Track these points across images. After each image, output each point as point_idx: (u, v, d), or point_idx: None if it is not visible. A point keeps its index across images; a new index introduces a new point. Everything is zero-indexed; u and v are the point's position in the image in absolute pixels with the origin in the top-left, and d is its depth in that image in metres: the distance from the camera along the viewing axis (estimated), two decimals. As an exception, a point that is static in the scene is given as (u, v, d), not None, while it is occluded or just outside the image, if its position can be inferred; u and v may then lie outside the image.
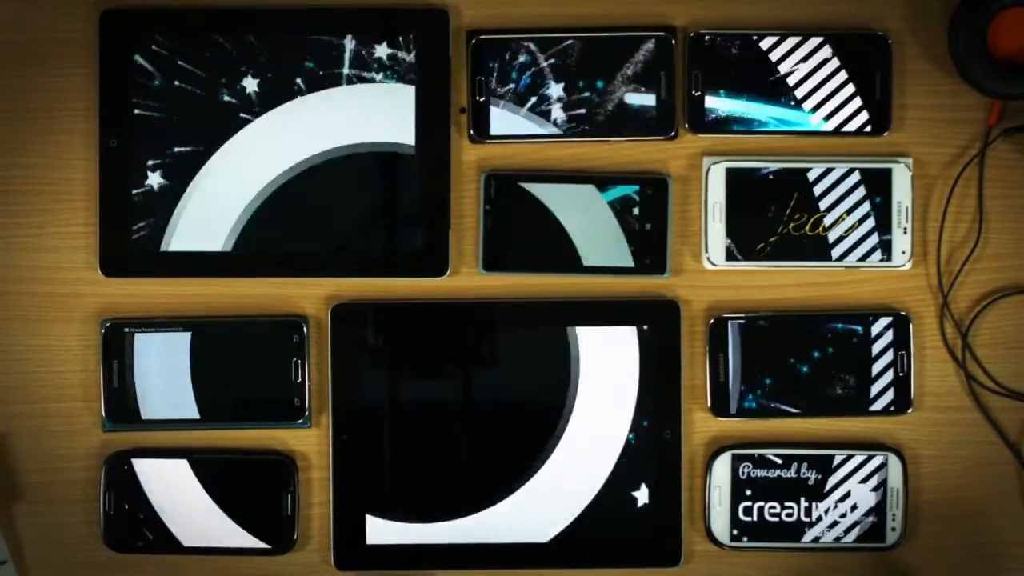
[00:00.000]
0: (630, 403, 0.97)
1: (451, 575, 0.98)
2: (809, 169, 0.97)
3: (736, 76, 0.97)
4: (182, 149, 0.96)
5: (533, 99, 0.97)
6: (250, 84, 0.96)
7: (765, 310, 0.97)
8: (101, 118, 0.96)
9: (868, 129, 0.97)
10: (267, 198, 0.96)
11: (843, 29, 0.97)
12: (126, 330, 0.96)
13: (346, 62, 0.96)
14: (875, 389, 0.97)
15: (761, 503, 0.97)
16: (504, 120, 0.97)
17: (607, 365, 0.97)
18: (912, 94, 0.98)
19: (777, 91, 0.97)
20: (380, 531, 0.97)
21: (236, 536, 0.96)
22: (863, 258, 0.97)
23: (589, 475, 0.97)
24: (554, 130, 0.97)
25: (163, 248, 0.96)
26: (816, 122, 0.97)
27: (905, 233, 0.97)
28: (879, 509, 0.97)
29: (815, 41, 0.97)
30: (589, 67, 0.97)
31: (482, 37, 0.97)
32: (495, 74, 0.97)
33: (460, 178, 0.97)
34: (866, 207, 0.97)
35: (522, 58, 0.97)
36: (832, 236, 0.97)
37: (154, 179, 0.96)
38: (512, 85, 0.97)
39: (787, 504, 0.97)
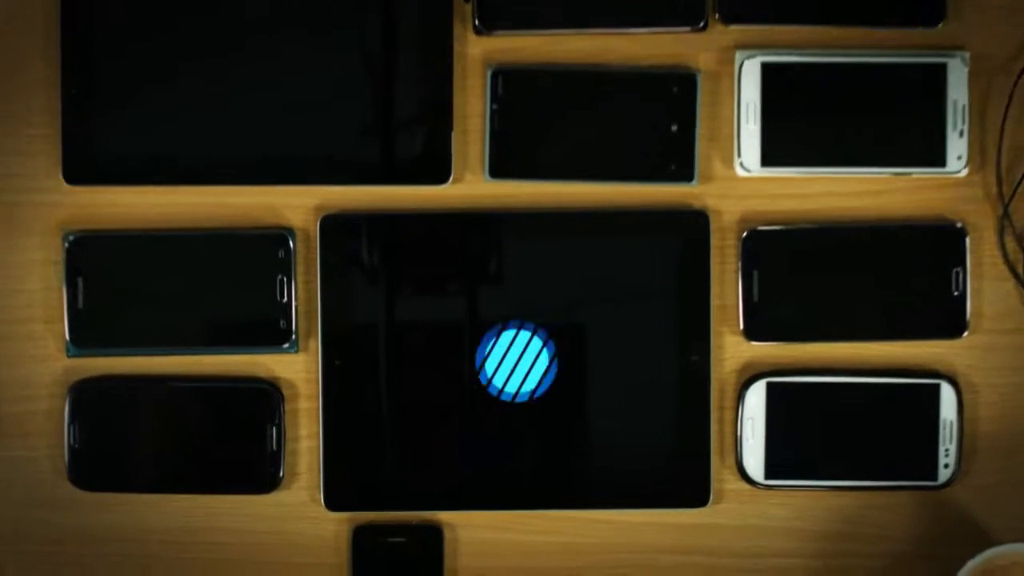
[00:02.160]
0: (653, 325, 0.92)
1: (453, 516, 0.93)
2: (854, 64, 0.91)
3: (773, -41, 0.92)
4: (155, 40, 0.92)
5: (546, -16, 0.92)
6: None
7: (804, 221, 0.92)
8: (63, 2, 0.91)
9: (920, 19, 0.92)
10: (249, 94, 0.91)
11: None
12: (92, 244, 0.91)
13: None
14: (926, 309, 0.92)
15: (799, 436, 0.92)
16: (513, 9, 0.91)
17: (627, 283, 0.92)
18: (969, -20, 0.93)
19: (819, -25, 0.92)
20: (376, 467, 0.92)
21: (215, 473, 0.92)
22: (913, 163, 0.91)
23: (608, 404, 0.92)
24: (569, 20, 0.92)
25: (133, 152, 0.91)
26: (862, 11, 0.92)
27: (961, 136, 0.91)
28: (930, 443, 0.92)
29: (860, -80, 0.92)
30: (608, -51, 0.92)
31: (488, -86, 0.92)
32: (503, -43, 0.92)
33: (464, 74, 0.92)
34: (917, 107, 0.91)
35: (533, -61, 0.92)
36: (879, 139, 0.91)
37: (124, 74, 0.91)
38: (523, -33, 0.92)
39: (827, 437, 0.92)
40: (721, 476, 0.93)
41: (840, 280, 0.92)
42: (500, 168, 0.91)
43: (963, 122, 0.91)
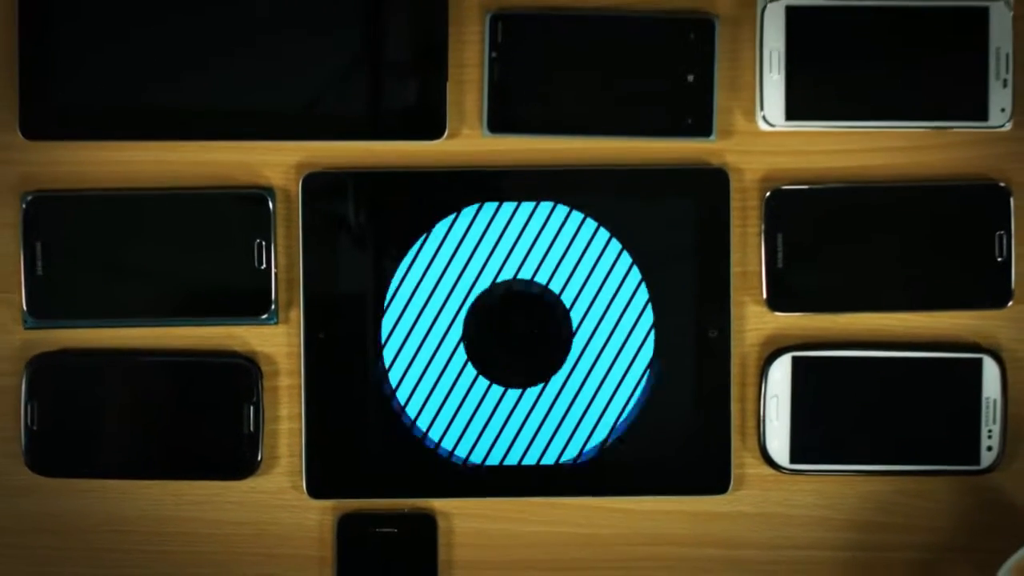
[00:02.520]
0: (667, 295, 0.90)
1: (449, 504, 0.91)
2: (888, 8, 0.89)
3: None
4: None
5: (549, -81, 0.89)
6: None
7: (833, 180, 0.90)
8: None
9: (960, -42, 0.90)
10: (224, 40, 0.89)
11: None
12: (52, 205, 0.89)
13: None
14: (967, 277, 0.90)
15: (827, 416, 0.90)
16: (513, -54, 0.90)
17: (639, 247, 0.90)
18: (1015, -89, 0.89)
19: (849, -92, 0.89)
20: (362, 451, 0.90)
21: (186, 457, 0.90)
22: (953, 117, 0.89)
23: (618, 382, 0.90)
24: (575, -42, 0.90)
25: (97, 104, 0.89)
26: (897, -51, 0.90)
27: (1005, 86, 0.89)
28: (971, 424, 0.90)
29: None
30: None
31: None
32: None
33: (460, 18, 0.90)
34: (957, 54, 0.89)
35: None
36: (915, 90, 0.89)
37: (86, 19, 0.89)
38: (523, -98, 0.89)
39: (858, 417, 0.90)
40: (742, 460, 0.91)
41: (872, 245, 0.90)
42: (499, 122, 0.89)
43: (1007, 71, 0.89)
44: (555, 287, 0.89)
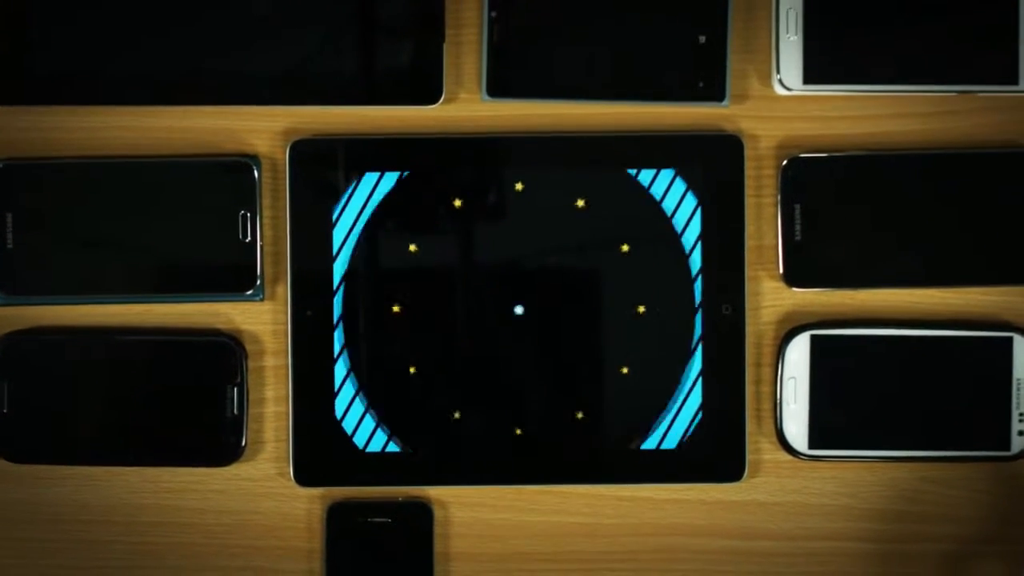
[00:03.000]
0: (678, 270, 0.88)
1: (445, 493, 0.90)
2: None
3: None
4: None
5: None
6: None
7: (853, 147, 0.89)
8: None
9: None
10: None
11: None
12: (22, 174, 0.88)
13: None
14: (996, 251, 0.89)
15: (848, 399, 0.89)
16: None
17: (647, 220, 0.88)
18: None
19: None
20: (355, 435, 0.89)
21: (166, 442, 0.89)
22: (981, 80, 0.88)
23: (624, 362, 0.89)
24: (579, -90, 0.89)
25: (71, 66, 0.88)
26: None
27: None
28: (1001, 407, 0.88)
29: None
30: None
31: None
32: None
33: None
34: (985, 14, 0.88)
35: None
36: (941, 51, 0.88)
37: None
38: None
39: (881, 400, 0.89)
40: (758, 445, 0.91)
41: (895, 216, 0.89)
42: (499, 86, 0.89)
43: (1039, 31, 0.88)
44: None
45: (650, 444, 0.89)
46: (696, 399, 0.88)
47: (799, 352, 0.88)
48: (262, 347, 0.90)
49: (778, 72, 0.87)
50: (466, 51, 0.89)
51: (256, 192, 0.88)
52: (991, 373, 0.88)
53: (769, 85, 0.88)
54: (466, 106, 0.89)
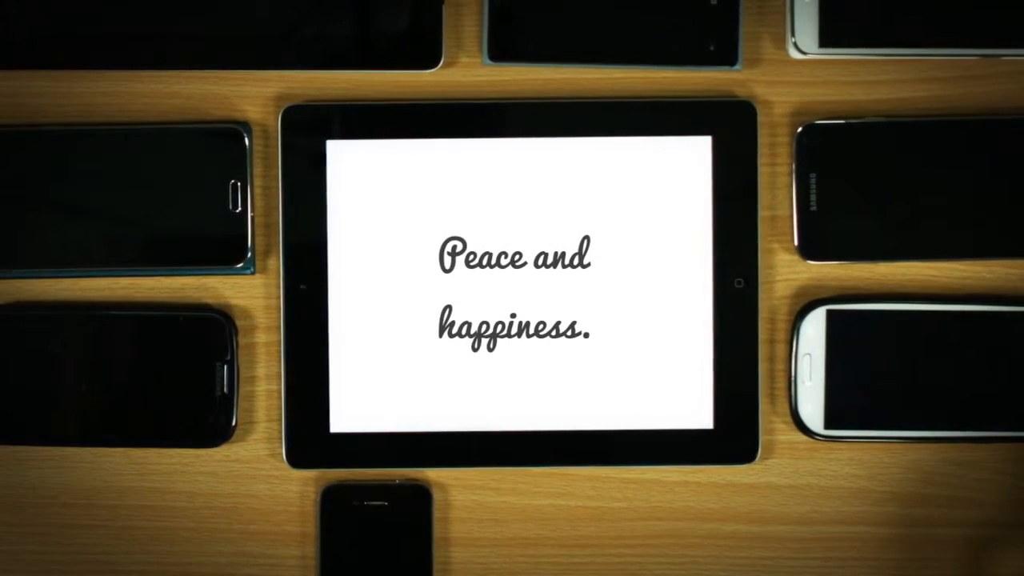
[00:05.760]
0: (688, 240, 0.87)
1: (444, 475, 0.89)
2: None
3: None
4: None
5: None
6: None
7: (871, 113, 0.88)
8: None
9: None
10: None
11: None
12: (2, 142, 0.87)
13: None
14: (1022, 222, 0.87)
15: (866, 377, 0.87)
16: None
17: (656, 190, 0.87)
18: None
19: None
20: (349, 414, 0.87)
21: (152, 422, 0.88)
22: (1005, 44, 0.86)
23: (632, 338, 0.87)
24: None
25: (53, 28, 0.86)
26: None
27: None
28: None
29: None
30: None
31: None
32: None
33: None
34: None
35: None
36: (961, 13, 0.86)
37: None
38: None
39: (901, 378, 0.87)
40: (771, 426, 0.90)
41: (915, 185, 0.88)
42: (501, 49, 0.88)
43: (1067, -8, 0.86)
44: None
45: (658, 424, 0.87)
46: (707, 377, 0.87)
47: (815, 328, 0.87)
48: (253, 323, 0.89)
49: (793, 35, 0.86)
50: (466, 12, 0.88)
51: (247, 161, 0.87)
52: (1017, 350, 0.86)
53: (783, 49, 0.87)
54: (467, 71, 0.88)
